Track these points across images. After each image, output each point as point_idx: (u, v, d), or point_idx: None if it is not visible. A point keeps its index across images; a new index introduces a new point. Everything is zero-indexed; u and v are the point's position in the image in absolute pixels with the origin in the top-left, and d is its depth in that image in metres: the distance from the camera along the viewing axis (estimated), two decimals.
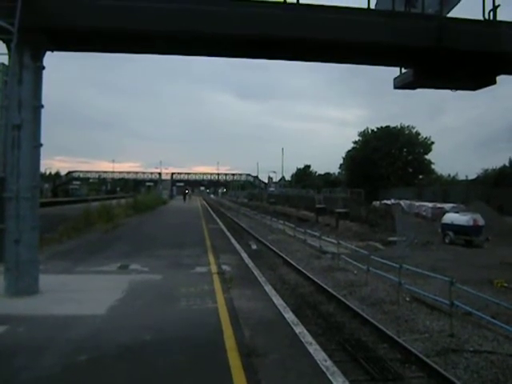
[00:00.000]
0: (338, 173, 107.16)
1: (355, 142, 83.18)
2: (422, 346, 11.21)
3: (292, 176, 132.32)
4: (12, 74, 9.87)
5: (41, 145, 10.59)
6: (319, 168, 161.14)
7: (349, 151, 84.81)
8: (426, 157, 78.27)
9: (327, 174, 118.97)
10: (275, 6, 10.55)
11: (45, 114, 10.70)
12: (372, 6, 11.24)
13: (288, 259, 23.54)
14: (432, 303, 14.20)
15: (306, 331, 8.42)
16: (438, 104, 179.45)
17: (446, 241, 31.87)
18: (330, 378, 6.26)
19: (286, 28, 10.44)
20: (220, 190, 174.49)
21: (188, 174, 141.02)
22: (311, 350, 7.33)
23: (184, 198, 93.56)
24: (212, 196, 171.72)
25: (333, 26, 10.55)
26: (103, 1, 10.16)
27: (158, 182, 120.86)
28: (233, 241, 23.64)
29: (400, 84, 13.13)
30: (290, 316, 9.35)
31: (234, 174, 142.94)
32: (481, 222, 31.19)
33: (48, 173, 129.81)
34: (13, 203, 10.00)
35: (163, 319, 8.76)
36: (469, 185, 58.18)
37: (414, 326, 12.67)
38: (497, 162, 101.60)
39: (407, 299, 15.11)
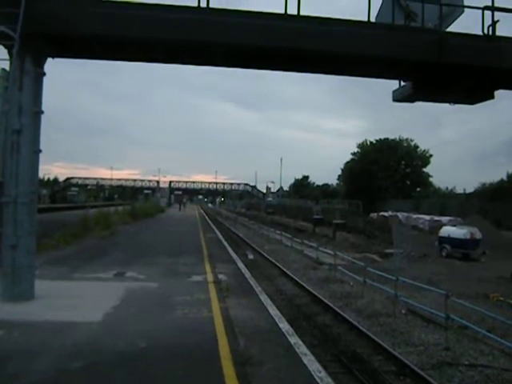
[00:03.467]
0: (337, 184, 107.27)
1: (354, 154, 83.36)
2: (417, 358, 11.20)
3: (290, 186, 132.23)
4: (13, 80, 9.90)
5: (40, 150, 10.62)
6: (317, 179, 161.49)
7: (347, 162, 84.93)
8: (424, 169, 78.52)
9: (325, 185, 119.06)
10: (276, 17, 10.61)
11: (44, 119, 10.76)
12: (372, 19, 11.30)
13: (285, 269, 23.54)
14: (428, 316, 14.20)
15: (300, 342, 8.41)
16: (437, 117, 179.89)
17: (443, 254, 31.90)
18: None
19: (286, 39, 10.49)
20: (218, 199, 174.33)
21: (186, 182, 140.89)
22: (306, 361, 7.32)
23: (180, 208, 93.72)
24: (210, 205, 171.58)
25: (332, 39, 10.61)
26: (104, 8, 10.22)
27: (155, 189, 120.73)
28: (229, 250, 23.63)
29: (399, 97, 13.21)
30: (285, 326, 9.34)
31: (232, 184, 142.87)
32: (478, 235, 31.25)
33: (46, 179, 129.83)
34: (10, 208, 10.00)
35: (159, 327, 8.74)
36: (466, 198, 58.28)
37: (409, 339, 12.65)
38: (495, 176, 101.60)
39: (403, 312, 15.10)
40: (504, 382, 9.90)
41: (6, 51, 9.90)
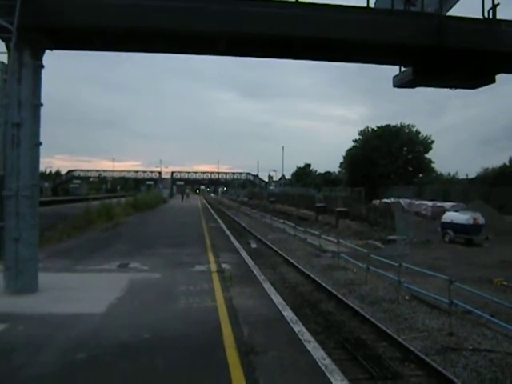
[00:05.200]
0: (339, 171, 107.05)
1: (355, 141, 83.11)
2: (421, 344, 11.19)
3: (292, 175, 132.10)
4: (11, 73, 9.88)
5: (40, 143, 10.61)
6: (319, 167, 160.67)
7: (349, 150, 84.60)
8: (426, 155, 78.25)
9: (327, 173, 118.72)
10: (275, 4, 10.54)
11: (45, 112, 10.73)
12: (371, 5, 11.22)
13: (288, 258, 23.51)
14: (431, 302, 14.19)
15: (304, 329, 8.44)
16: (439, 102, 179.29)
17: (446, 239, 31.84)
18: (329, 376, 6.27)
19: (286, 27, 10.43)
20: (220, 189, 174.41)
21: (188, 172, 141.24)
22: (310, 348, 7.34)
23: (182, 198, 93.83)
24: (212, 195, 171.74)
25: (331, 25, 10.54)
26: (101, 0, 10.16)
27: (158, 180, 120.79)
28: (232, 239, 23.67)
29: (399, 82, 13.13)
30: (288, 314, 9.37)
31: (234, 173, 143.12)
32: (481, 220, 31.17)
33: (48, 171, 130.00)
34: (12, 201, 10.02)
35: (163, 317, 8.78)
36: (469, 183, 58.18)
37: (413, 325, 12.65)
38: (498, 160, 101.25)
39: (407, 298, 15.09)
40: (508, 366, 9.88)
41: (3, 44, 9.88)
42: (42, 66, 10.63)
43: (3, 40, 9.81)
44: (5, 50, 9.92)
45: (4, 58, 10.00)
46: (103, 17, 10.16)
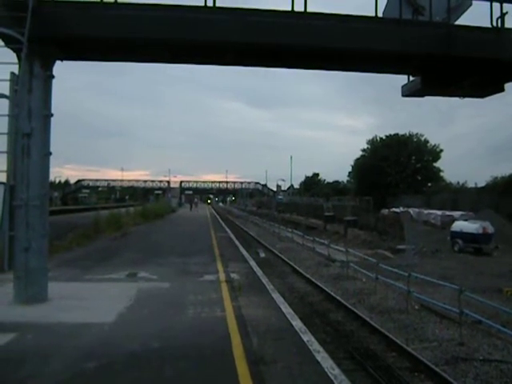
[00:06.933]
0: (347, 181, 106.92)
1: (364, 150, 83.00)
2: (431, 354, 11.12)
3: (301, 184, 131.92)
4: (22, 83, 9.95)
5: (50, 153, 10.65)
6: (328, 176, 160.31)
7: (357, 159, 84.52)
8: (435, 164, 77.93)
9: (336, 182, 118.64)
10: (281, 14, 10.56)
11: (54, 122, 10.79)
12: (379, 15, 11.24)
13: (296, 267, 23.51)
14: (441, 312, 14.11)
15: (314, 339, 8.39)
16: (447, 111, 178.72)
17: (455, 249, 31.74)
18: None
19: (293, 36, 10.45)
20: (229, 199, 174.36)
21: (196, 182, 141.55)
22: (319, 358, 7.30)
23: (190, 207, 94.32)
24: (221, 204, 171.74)
25: (340, 35, 10.56)
26: (111, 11, 10.22)
27: (166, 190, 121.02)
28: (241, 249, 23.63)
29: (408, 92, 13.13)
30: (298, 324, 9.33)
31: (242, 182, 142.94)
32: (490, 229, 31.06)
33: (58, 181, 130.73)
34: (22, 211, 10.05)
35: (171, 327, 8.76)
36: (478, 192, 57.87)
37: (423, 335, 12.59)
38: (507, 169, 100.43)
39: (416, 307, 15.03)
40: None
41: (14, 55, 9.96)
42: (53, 77, 10.71)
43: (14, 51, 9.88)
44: (16, 60, 10.00)
45: (15, 69, 10.08)
46: (113, 28, 10.22)
